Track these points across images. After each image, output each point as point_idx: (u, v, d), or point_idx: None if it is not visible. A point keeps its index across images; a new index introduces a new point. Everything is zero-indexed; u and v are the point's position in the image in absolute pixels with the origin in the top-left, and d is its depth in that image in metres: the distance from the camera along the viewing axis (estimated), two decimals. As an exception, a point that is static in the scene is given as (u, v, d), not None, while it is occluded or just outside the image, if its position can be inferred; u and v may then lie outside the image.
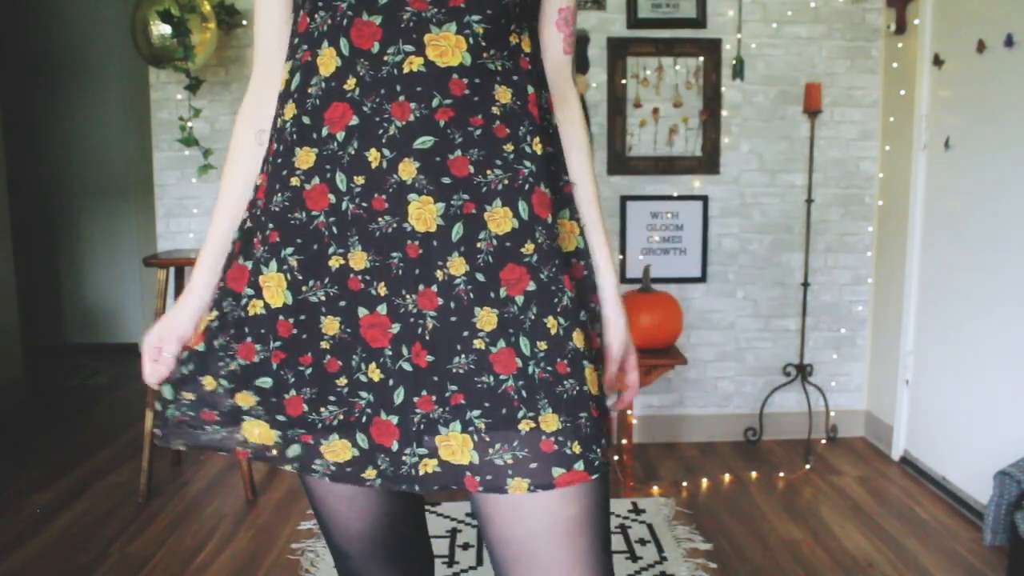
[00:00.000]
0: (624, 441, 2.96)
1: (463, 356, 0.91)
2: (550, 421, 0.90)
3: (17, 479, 2.99)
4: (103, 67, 4.76)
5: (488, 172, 0.92)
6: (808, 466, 3.09)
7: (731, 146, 3.25)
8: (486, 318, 0.91)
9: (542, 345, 0.91)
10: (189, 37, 2.75)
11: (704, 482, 2.96)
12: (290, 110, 0.96)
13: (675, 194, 3.26)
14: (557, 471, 0.89)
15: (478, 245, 0.91)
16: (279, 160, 0.96)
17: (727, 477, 3.00)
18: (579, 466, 0.90)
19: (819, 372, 3.36)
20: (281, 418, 0.97)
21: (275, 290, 0.95)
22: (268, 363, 0.96)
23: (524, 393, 0.90)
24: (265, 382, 0.96)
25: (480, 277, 0.91)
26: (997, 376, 2.53)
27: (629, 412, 2.90)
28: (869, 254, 3.33)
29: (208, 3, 2.86)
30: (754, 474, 3.02)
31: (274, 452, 0.98)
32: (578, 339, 0.92)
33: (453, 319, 0.91)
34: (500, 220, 0.92)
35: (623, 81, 3.18)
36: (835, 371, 3.39)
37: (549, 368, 0.91)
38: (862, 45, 3.22)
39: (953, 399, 2.78)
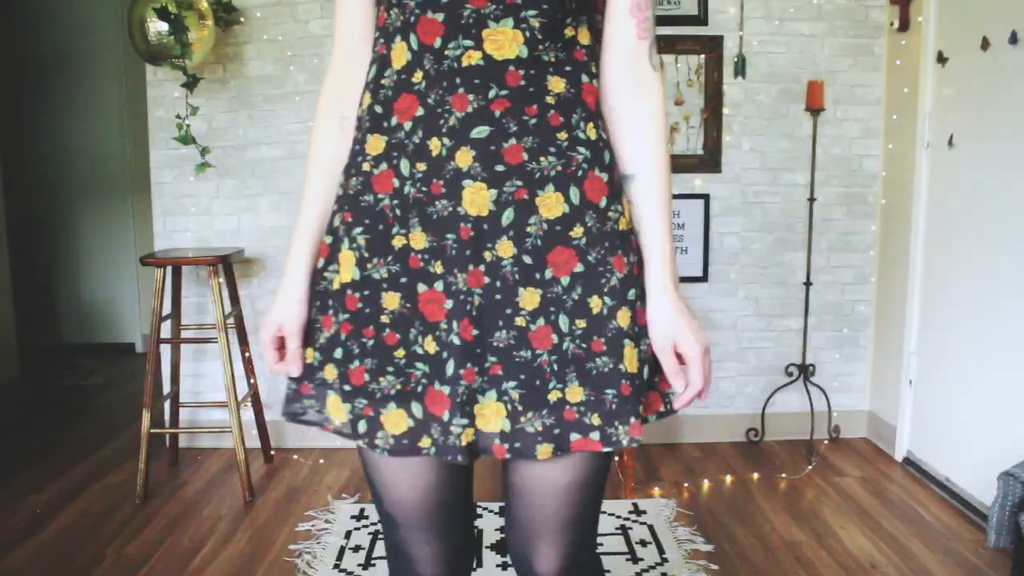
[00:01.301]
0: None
1: (504, 331, 0.99)
2: (575, 392, 0.99)
3: (13, 480, 2.96)
4: (100, 65, 4.74)
5: (542, 159, 0.98)
6: (810, 467, 3.07)
7: (733, 144, 3.22)
8: (529, 297, 0.99)
9: (581, 323, 0.99)
10: (186, 34, 2.73)
11: (705, 483, 2.94)
12: (366, 99, 1.05)
13: (676, 192, 3.24)
14: (574, 436, 1.00)
15: (527, 229, 0.98)
16: (356, 146, 1.06)
17: (729, 478, 2.98)
18: (595, 436, 1.00)
19: (821, 372, 3.34)
20: (347, 388, 1.04)
21: (346, 266, 1.04)
22: (339, 335, 1.04)
23: (556, 367, 0.99)
24: (338, 352, 1.05)
25: (527, 260, 0.98)
26: (1001, 376, 2.51)
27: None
28: (872, 253, 3.31)
29: (205, 0, 2.84)
30: (756, 475, 3.00)
31: (348, 428, 1.05)
32: (623, 318, 1.00)
33: (498, 297, 0.99)
34: (551, 205, 0.98)
35: (624, 79, 3.16)
36: (838, 371, 3.37)
37: (584, 345, 0.99)
38: (865, 42, 3.20)
39: (957, 399, 2.76)
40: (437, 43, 0.97)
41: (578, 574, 1.13)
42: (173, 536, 2.53)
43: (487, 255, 0.98)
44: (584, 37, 1.01)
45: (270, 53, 3.15)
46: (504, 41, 0.96)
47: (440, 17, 0.97)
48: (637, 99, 1.03)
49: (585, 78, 1.01)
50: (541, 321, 0.99)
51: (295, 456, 3.23)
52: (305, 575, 2.28)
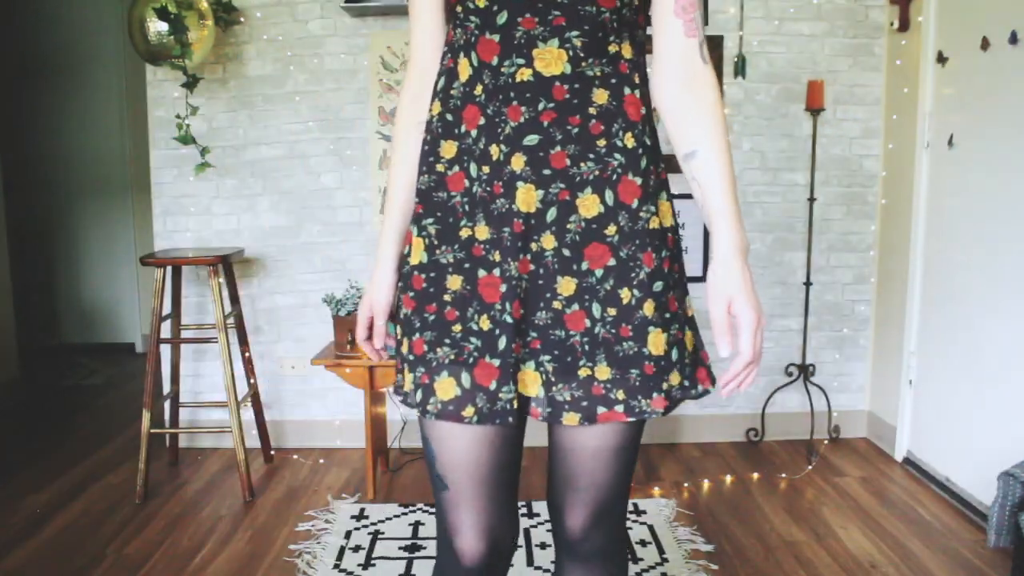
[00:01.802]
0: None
1: (543, 312, 1.13)
2: (603, 371, 1.12)
3: (13, 480, 2.96)
4: (100, 65, 4.74)
5: (582, 164, 1.11)
6: (810, 467, 3.07)
7: (733, 144, 3.22)
8: (566, 285, 1.12)
9: (611, 311, 1.12)
10: (186, 34, 2.73)
11: (705, 483, 2.94)
12: (436, 107, 1.18)
13: (675, 192, 3.22)
14: (601, 409, 1.13)
15: (568, 226, 1.12)
16: (426, 147, 1.19)
17: (728, 478, 2.98)
18: (619, 408, 1.13)
19: (821, 372, 3.34)
20: (411, 357, 1.17)
21: (416, 251, 1.18)
22: (406, 311, 1.18)
23: (587, 347, 1.13)
24: (406, 327, 1.18)
25: (566, 252, 1.12)
26: (1001, 376, 2.51)
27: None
28: (872, 253, 3.31)
29: (205, 0, 2.84)
30: (756, 475, 3.00)
31: (411, 397, 1.17)
32: (648, 308, 1.12)
33: (540, 282, 1.13)
34: (589, 206, 1.12)
35: (624, 79, 3.16)
36: (837, 371, 3.36)
37: (613, 331, 1.12)
38: (865, 42, 3.20)
39: (957, 399, 2.76)
40: (494, 61, 1.11)
41: (602, 538, 1.26)
42: (173, 536, 2.53)
43: (533, 246, 1.12)
44: (627, 51, 1.13)
45: (270, 53, 3.15)
46: (551, 59, 1.09)
47: (496, 38, 1.10)
48: (691, 93, 1.14)
49: (627, 90, 1.13)
50: (576, 307, 1.12)
51: (295, 456, 3.23)
52: (305, 575, 2.28)
